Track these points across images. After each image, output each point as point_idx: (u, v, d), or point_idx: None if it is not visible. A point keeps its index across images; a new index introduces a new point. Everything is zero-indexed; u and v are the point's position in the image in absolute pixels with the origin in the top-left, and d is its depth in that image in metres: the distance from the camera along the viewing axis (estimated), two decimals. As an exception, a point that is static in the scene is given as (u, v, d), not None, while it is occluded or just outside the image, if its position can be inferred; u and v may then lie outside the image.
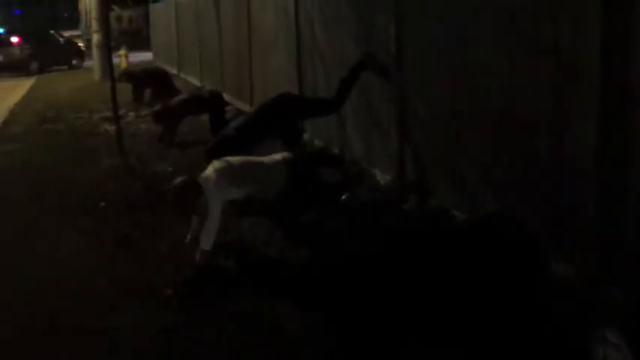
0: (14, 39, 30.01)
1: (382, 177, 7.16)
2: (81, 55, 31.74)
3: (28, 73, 25.94)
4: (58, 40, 32.41)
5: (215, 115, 10.49)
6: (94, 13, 22.73)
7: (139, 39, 33.64)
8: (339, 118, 8.15)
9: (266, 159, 6.26)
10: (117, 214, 6.97)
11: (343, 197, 6.36)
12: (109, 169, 9.02)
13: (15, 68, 28.03)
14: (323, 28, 8.52)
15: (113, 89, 10.21)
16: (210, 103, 10.77)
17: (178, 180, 5.82)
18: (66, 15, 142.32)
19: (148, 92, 15.30)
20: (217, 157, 6.32)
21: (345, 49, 7.76)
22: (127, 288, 5.15)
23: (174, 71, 20.25)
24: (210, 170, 5.87)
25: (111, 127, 11.44)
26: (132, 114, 13.89)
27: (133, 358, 4.18)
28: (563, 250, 4.40)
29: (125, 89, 15.24)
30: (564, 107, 4.37)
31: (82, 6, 46.93)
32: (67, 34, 35.14)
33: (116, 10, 50.21)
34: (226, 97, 12.42)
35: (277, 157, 6.29)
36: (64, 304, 4.96)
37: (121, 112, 13.34)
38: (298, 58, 9.42)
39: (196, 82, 17.87)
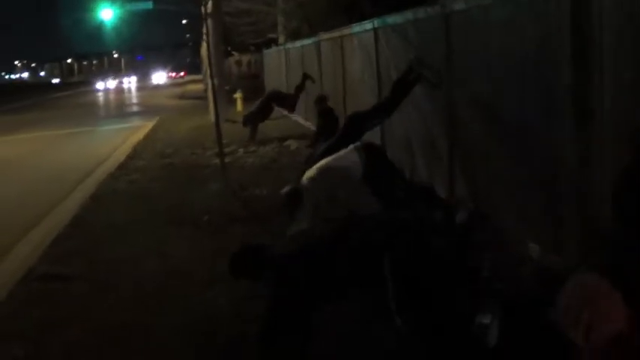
0: None
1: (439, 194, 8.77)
2: None
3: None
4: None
5: None
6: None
7: (256, 83, 35.63)
8: (409, 148, 9.80)
9: (340, 152, 7.60)
10: (216, 226, 8.79)
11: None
12: (213, 193, 10.90)
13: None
14: (395, 72, 10.22)
15: (218, 128, 12.18)
16: None
17: (286, 188, 7.47)
18: (188, 60, 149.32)
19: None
20: None
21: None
22: (220, 277, 6.87)
23: (284, 112, 22.19)
24: (305, 176, 7.42)
25: (219, 161, 13.34)
26: (241, 150, 15.75)
27: (218, 312, 5.92)
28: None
29: (242, 129, 17.59)
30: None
31: (203, 52, 49.85)
32: (188, 77, 38.05)
33: (236, 55, 52.68)
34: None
35: (351, 146, 7.62)
36: (174, 283, 6.80)
37: (232, 148, 15.51)
38: (379, 93, 11.14)
39: (302, 122, 19.78)
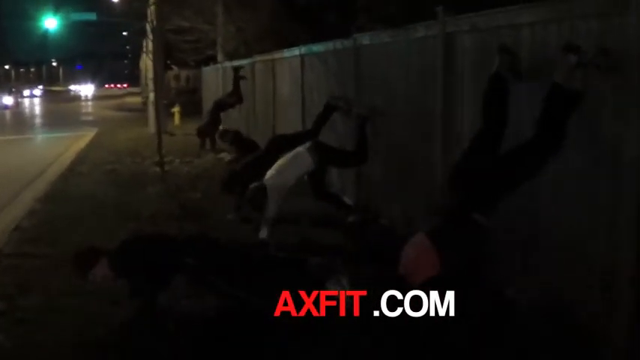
0: None
1: (349, 201, 10.37)
2: None
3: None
4: None
5: None
6: (150, 73, 25.96)
7: (194, 98, 36.64)
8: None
9: (293, 152, 9.30)
10: (155, 222, 10.19)
11: None
12: (153, 194, 12.33)
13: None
14: (317, 93, 11.87)
15: (159, 138, 13.67)
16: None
17: (253, 185, 8.89)
18: (126, 72, 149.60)
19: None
20: (229, 188, 9.78)
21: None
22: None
23: (220, 126, 23.56)
24: (268, 175, 9.00)
25: (159, 169, 14.74)
26: (178, 160, 17.23)
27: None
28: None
29: (180, 141, 18.92)
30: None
31: (142, 65, 50.62)
32: (128, 90, 38.94)
33: (175, 70, 53.55)
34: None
35: (300, 148, 9.33)
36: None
37: (169, 158, 16.91)
38: (303, 113, 12.77)
39: (237, 136, 21.26)
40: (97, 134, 26.86)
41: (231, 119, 21.59)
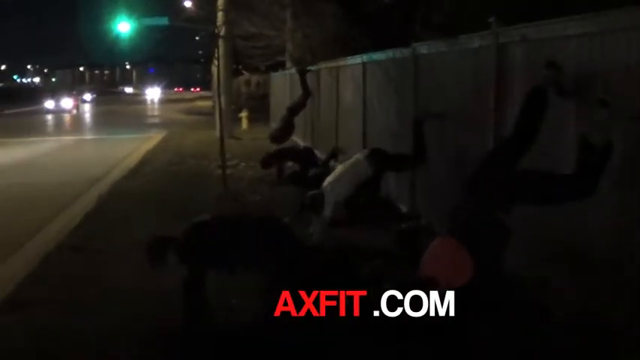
0: None
1: (403, 208, 10.55)
2: None
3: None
4: None
5: (304, 164, 13.68)
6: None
7: (265, 104, 36.97)
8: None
9: (352, 160, 9.79)
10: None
11: None
12: (214, 195, 12.71)
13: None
14: (377, 101, 12.07)
15: (222, 141, 14.01)
16: (303, 155, 14.31)
17: (311, 192, 9.37)
18: (198, 76, 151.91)
19: None
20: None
21: (389, 113, 11.34)
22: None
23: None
24: (326, 182, 9.44)
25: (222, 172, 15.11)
26: (243, 164, 17.61)
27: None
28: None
29: (247, 145, 19.52)
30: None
31: (213, 69, 51.06)
32: (199, 94, 39.26)
33: (245, 75, 54.14)
34: (318, 152, 16.05)
35: (358, 155, 9.83)
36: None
37: (234, 162, 17.30)
38: (364, 120, 13.01)
39: (300, 142, 21.49)
40: (165, 137, 27.56)
41: (297, 127, 21.88)
